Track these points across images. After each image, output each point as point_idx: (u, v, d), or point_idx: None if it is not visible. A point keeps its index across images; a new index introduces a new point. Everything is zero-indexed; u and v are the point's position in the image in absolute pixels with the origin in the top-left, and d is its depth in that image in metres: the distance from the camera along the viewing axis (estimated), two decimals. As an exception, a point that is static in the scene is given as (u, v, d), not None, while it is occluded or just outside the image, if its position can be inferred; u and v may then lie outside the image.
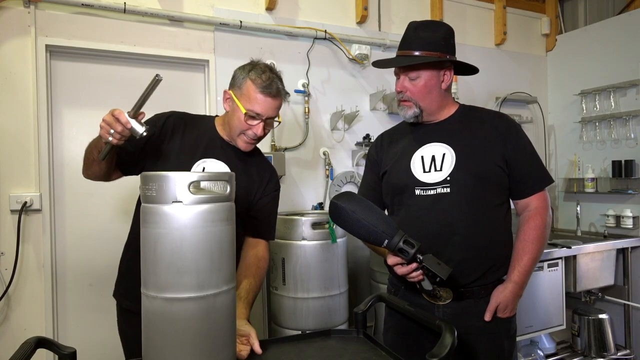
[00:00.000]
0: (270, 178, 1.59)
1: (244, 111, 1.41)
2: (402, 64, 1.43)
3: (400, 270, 1.25)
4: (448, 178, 1.39)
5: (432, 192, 1.40)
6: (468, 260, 1.37)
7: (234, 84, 1.46)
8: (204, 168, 1.46)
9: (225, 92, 1.48)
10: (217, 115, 1.59)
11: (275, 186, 1.60)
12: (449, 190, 1.38)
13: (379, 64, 1.48)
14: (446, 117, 1.49)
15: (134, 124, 1.20)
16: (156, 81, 1.14)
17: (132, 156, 1.44)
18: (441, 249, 1.34)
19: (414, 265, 1.22)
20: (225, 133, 1.52)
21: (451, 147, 1.42)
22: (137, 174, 1.51)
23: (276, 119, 1.48)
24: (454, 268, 1.30)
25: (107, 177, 1.46)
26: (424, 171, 1.43)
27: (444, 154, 1.42)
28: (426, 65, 1.40)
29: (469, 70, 1.52)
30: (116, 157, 1.41)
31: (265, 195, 1.55)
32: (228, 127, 1.49)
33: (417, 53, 1.40)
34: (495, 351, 1.41)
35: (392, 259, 1.26)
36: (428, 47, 1.39)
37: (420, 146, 1.47)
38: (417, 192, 1.42)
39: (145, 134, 1.22)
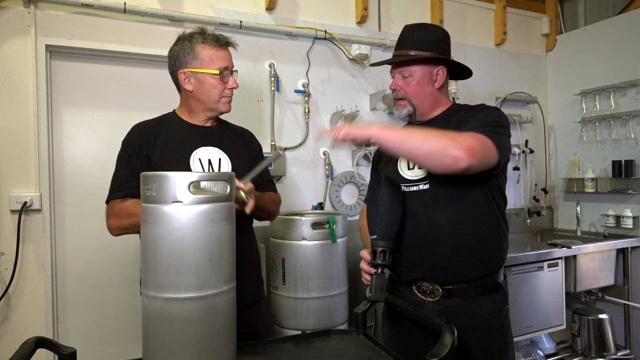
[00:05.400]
0: (251, 138, 1.64)
1: (216, 72, 1.41)
2: (394, 61, 1.48)
3: (362, 265, 1.35)
4: (426, 174, 1.41)
5: (415, 188, 1.43)
6: (450, 253, 1.38)
7: (184, 61, 1.43)
8: (199, 159, 1.45)
9: (180, 74, 1.43)
10: (174, 110, 1.56)
11: (257, 144, 1.66)
12: (427, 186, 1.41)
13: (375, 63, 1.58)
14: (435, 115, 1.51)
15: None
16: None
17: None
18: (423, 243, 1.38)
19: (372, 271, 1.29)
20: (196, 117, 1.50)
21: None
22: None
23: (234, 68, 1.50)
24: (439, 261, 1.37)
25: None
26: (409, 168, 1.46)
27: None
28: (418, 63, 1.45)
29: (464, 73, 1.54)
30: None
31: (256, 157, 1.60)
32: (201, 105, 1.47)
33: (411, 52, 1.45)
34: (486, 350, 1.41)
35: (365, 254, 1.35)
36: (421, 46, 1.44)
37: None
38: (403, 188, 1.44)
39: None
